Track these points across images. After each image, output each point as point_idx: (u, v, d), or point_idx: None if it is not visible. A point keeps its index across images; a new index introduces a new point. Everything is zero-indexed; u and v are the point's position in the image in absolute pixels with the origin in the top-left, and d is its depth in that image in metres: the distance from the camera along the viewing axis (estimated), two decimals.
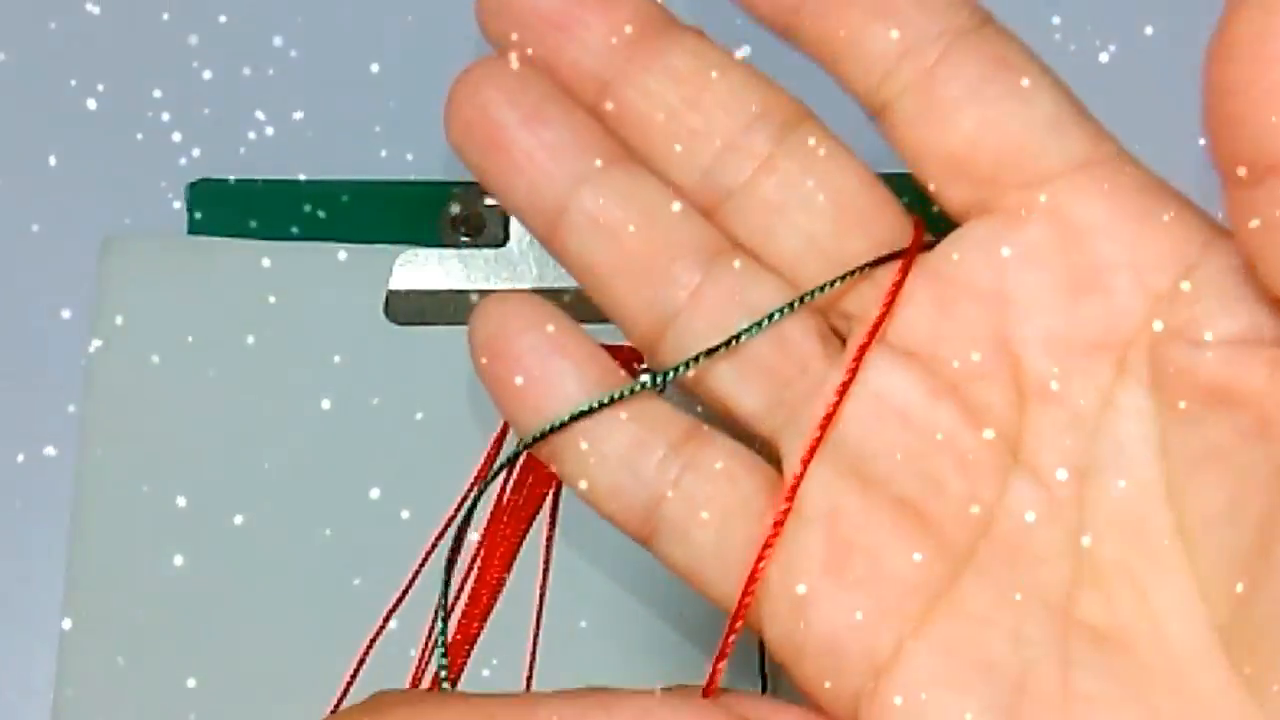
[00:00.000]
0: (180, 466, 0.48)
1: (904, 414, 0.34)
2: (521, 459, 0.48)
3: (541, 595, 0.47)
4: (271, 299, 0.49)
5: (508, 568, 0.47)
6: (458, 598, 0.47)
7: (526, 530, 0.48)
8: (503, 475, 0.48)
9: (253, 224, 0.50)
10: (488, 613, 0.47)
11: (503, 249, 0.49)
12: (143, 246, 0.50)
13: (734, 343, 0.34)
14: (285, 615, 0.47)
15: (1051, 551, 0.33)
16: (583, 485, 0.35)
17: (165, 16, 0.52)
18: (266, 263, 0.50)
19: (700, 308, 0.35)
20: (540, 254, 0.49)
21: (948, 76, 0.34)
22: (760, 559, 0.33)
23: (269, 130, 0.51)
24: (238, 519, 0.47)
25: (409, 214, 0.50)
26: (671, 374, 0.35)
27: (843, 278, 0.35)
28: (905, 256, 0.35)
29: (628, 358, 0.48)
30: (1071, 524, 0.33)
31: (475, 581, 0.47)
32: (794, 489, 0.34)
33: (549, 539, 0.48)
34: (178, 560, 0.47)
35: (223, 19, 0.51)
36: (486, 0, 0.35)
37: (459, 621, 0.47)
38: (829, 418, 0.34)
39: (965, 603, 0.33)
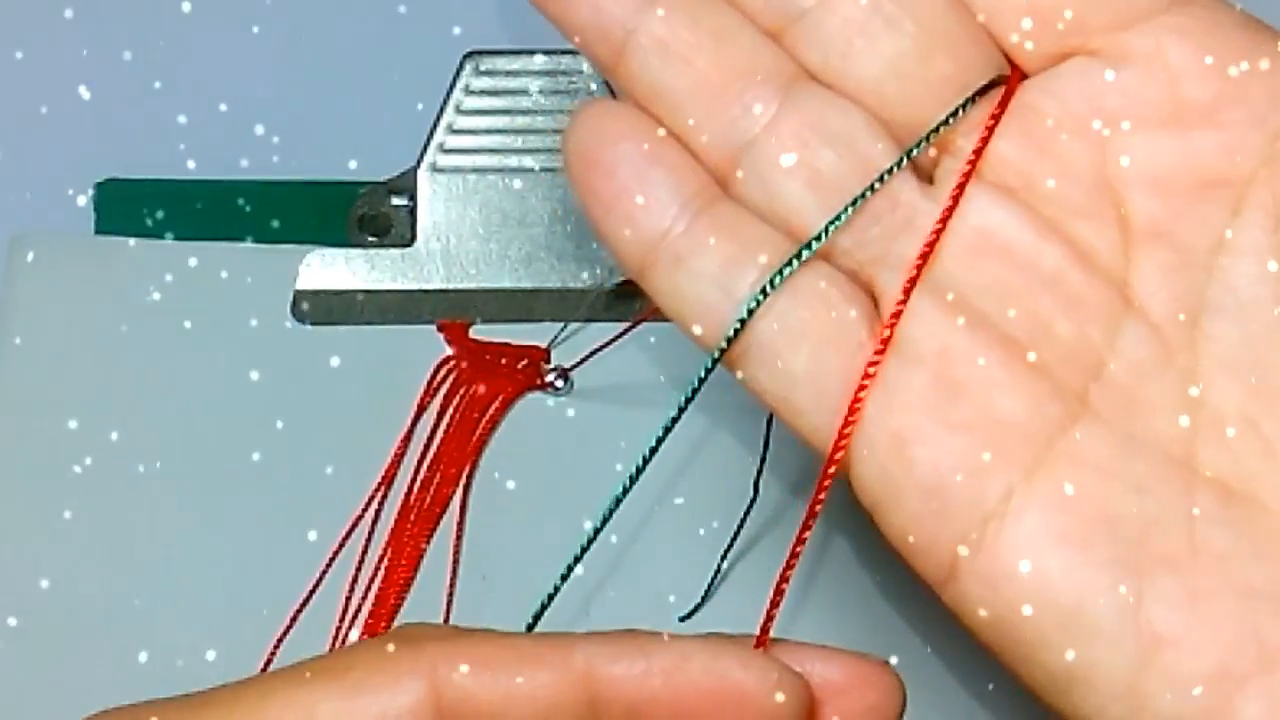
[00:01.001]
0: (84, 467, 0.48)
1: (1007, 251, 0.33)
2: (430, 457, 0.48)
3: (450, 596, 0.47)
4: (178, 299, 0.49)
5: (415, 568, 0.47)
6: (364, 598, 0.47)
7: (434, 529, 0.48)
8: (409, 477, 0.48)
9: (160, 223, 0.50)
10: (395, 613, 0.47)
11: (409, 249, 0.49)
12: (49, 245, 0.50)
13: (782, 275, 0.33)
14: (185, 612, 0.47)
15: (1167, 400, 0.32)
16: (694, 303, 0.33)
17: (68, 14, 0.52)
18: (174, 262, 0.49)
19: (777, 136, 0.33)
20: (447, 254, 0.49)
21: None
22: (860, 391, 0.32)
23: (177, 130, 0.51)
24: (140, 521, 0.47)
25: (316, 214, 0.50)
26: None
27: (951, 115, 0.33)
28: (1005, 86, 0.33)
29: (535, 357, 0.49)
30: (1186, 371, 0.32)
31: (382, 583, 0.47)
32: (896, 317, 0.32)
33: (458, 538, 0.48)
34: (72, 564, 0.47)
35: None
36: None
37: (366, 622, 0.47)
38: (931, 245, 0.32)
39: (1081, 451, 0.32)
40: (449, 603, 0.47)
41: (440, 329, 0.49)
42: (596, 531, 0.37)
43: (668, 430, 0.34)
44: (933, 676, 0.45)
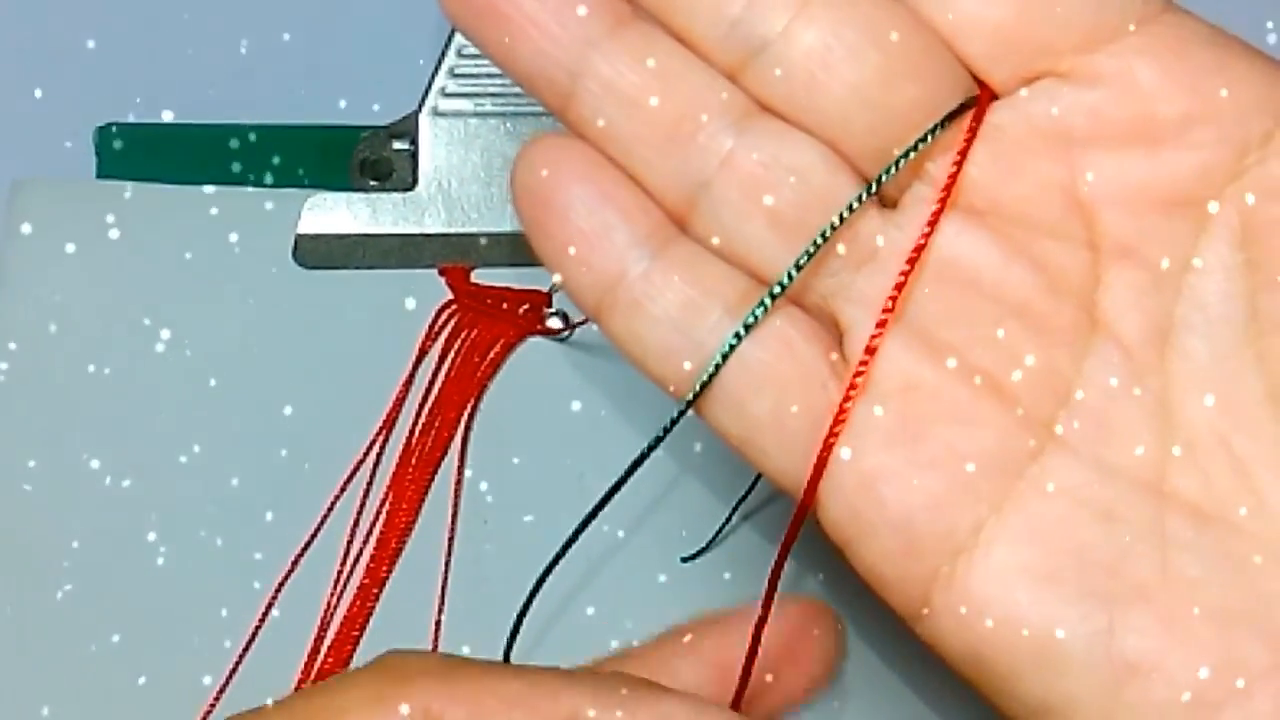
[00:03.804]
0: (86, 412, 0.48)
1: (974, 278, 0.32)
2: (431, 402, 0.48)
3: (450, 539, 0.47)
4: (180, 243, 0.49)
5: (415, 512, 0.47)
6: (365, 542, 0.47)
7: (434, 473, 0.48)
8: (410, 420, 0.48)
9: (161, 168, 0.50)
10: (396, 557, 0.47)
11: (411, 193, 0.49)
12: (50, 190, 0.50)
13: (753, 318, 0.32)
14: (190, 562, 0.47)
15: (1137, 422, 0.32)
16: (650, 346, 0.33)
17: None
18: (174, 206, 0.49)
19: (733, 175, 0.33)
20: (449, 198, 0.49)
21: None
22: (831, 435, 0.32)
23: (178, 73, 0.51)
24: (149, 462, 0.47)
25: (318, 158, 0.50)
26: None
27: (919, 142, 0.32)
28: (974, 110, 0.32)
29: (537, 301, 0.49)
30: (1156, 392, 0.32)
31: (384, 526, 0.47)
32: (865, 364, 0.32)
33: (458, 483, 0.48)
34: (85, 502, 0.47)
35: None
36: None
37: (368, 566, 0.47)
38: (900, 288, 0.32)
39: (1049, 480, 0.31)
40: (449, 547, 0.47)
41: (441, 273, 0.49)
42: (566, 545, 0.37)
43: (630, 471, 0.35)
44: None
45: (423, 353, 0.48)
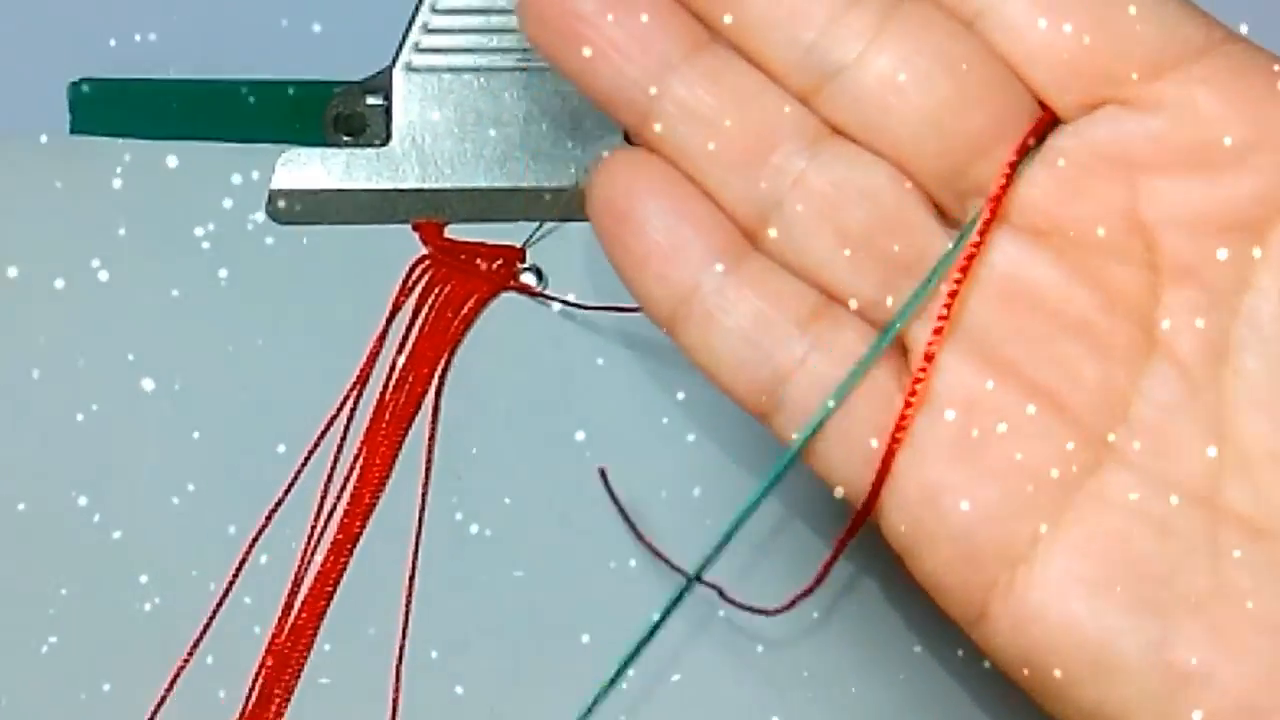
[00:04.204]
0: (60, 367, 0.48)
1: (1035, 296, 0.33)
2: (405, 357, 0.48)
3: (424, 494, 0.47)
4: (154, 199, 0.49)
5: (389, 467, 0.47)
6: (339, 497, 0.47)
7: (408, 429, 0.48)
8: (384, 376, 0.48)
9: (136, 123, 0.50)
10: (369, 512, 0.47)
11: (385, 149, 0.49)
12: (23, 145, 0.50)
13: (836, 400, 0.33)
14: (155, 514, 0.47)
15: (1193, 439, 0.33)
16: (723, 358, 0.34)
17: None
18: (149, 162, 0.49)
19: (805, 195, 0.34)
20: (423, 154, 0.49)
21: None
22: (891, 448, 0.33)
23: (153, 30, 0.51)
24: (108, 417, 0.47)
25: (291, 114, 0.50)
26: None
27: (932, 275, 0.34)
28: (1034, 131, 0.33)
29: (511, 257, 0.49)
30: (1211, 409, 0.32)
31: (357, 482, 0.47)
32: (922, 374, 0.33)
33: (431, 437, 0.48)
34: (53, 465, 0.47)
35: None
36: None
37: (341, 521, 0.47)
38: (954, 295, 0.33)
39: (1106, 493, 0.32)
40: (423, 502, 0.47)
41: (415, 228, 0.49)
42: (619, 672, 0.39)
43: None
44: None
45: (396, 308, 0.48)
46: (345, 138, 0.50)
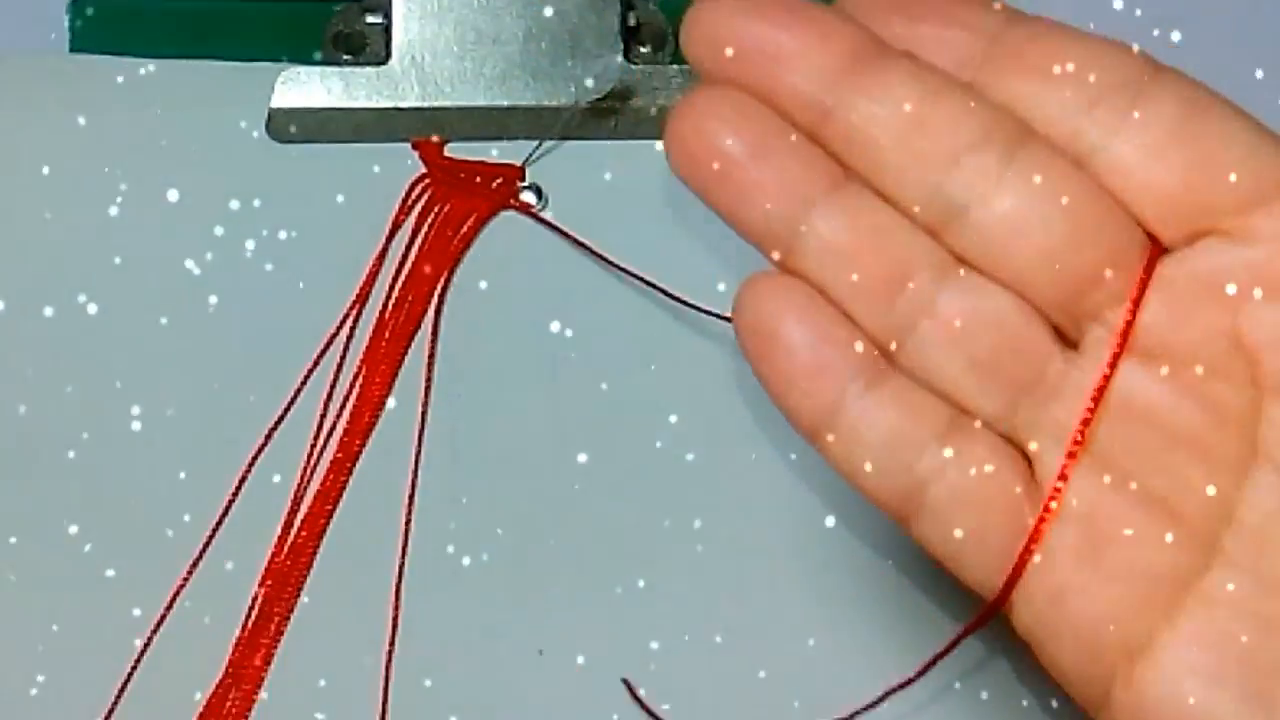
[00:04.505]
0: (56, 289, 0.48)
1: (1148, 413, 0.36)
2: (404, 275, 0.48)
3: (424, 412, 0.47)
4: (154, 118, 0.49)
5: (389, 385, 0.47)
6: (339, 415, 0.47)
7: (407, 347, 0.48)
8: (383, 294, 0.48)
9: (135, 42, 0.50)
10: (369, 430, 0.47)
11: (384, 67, 0.49)
12: (23, 64, 0.50)
13: None
14: (153, 430, 0.47)
15: None
16: (866, 468, 0.36)
17: None
18: (149, 81, 0.49)
19: (938, 322, 0.36)
20: (421, 73, 0.49)
21: (1149, 120, 0.35)
22: (1023, 559, 0.36)
23: None
24: (111, 340, 0.48)
25: (291, 32, 0.50)
26: None
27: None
28: (1148, 267, 0.36)
29: (510, 175, 0.49)
30: None
31: (357, 400, 0.47)
32: (1057, 493, 0.36)
33: (430, 355, 0.48)
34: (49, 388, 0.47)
35: None
36: (695, 32, 0.35)
37: (341, 440, 0.47)
38: (1086, 423, 0.36)
39: (1215, 592, 0.35)
40: (423, 418, 0.47)
41: (415, 147, 0.49)
42: None
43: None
44: None
45: (396, 226, 0.48)
46: (345, 56, 0.50)
